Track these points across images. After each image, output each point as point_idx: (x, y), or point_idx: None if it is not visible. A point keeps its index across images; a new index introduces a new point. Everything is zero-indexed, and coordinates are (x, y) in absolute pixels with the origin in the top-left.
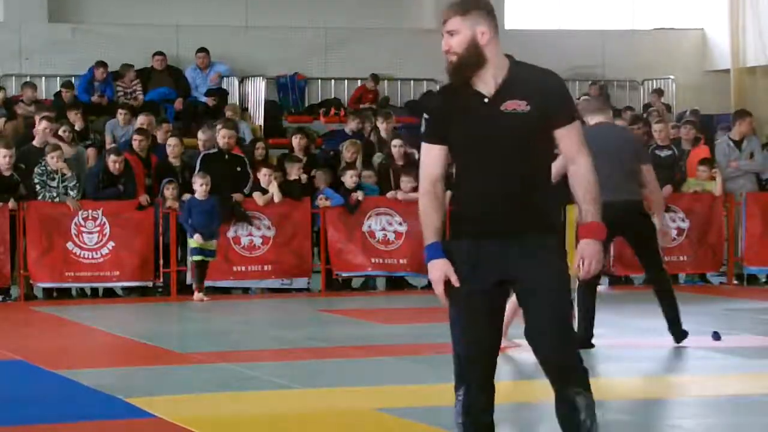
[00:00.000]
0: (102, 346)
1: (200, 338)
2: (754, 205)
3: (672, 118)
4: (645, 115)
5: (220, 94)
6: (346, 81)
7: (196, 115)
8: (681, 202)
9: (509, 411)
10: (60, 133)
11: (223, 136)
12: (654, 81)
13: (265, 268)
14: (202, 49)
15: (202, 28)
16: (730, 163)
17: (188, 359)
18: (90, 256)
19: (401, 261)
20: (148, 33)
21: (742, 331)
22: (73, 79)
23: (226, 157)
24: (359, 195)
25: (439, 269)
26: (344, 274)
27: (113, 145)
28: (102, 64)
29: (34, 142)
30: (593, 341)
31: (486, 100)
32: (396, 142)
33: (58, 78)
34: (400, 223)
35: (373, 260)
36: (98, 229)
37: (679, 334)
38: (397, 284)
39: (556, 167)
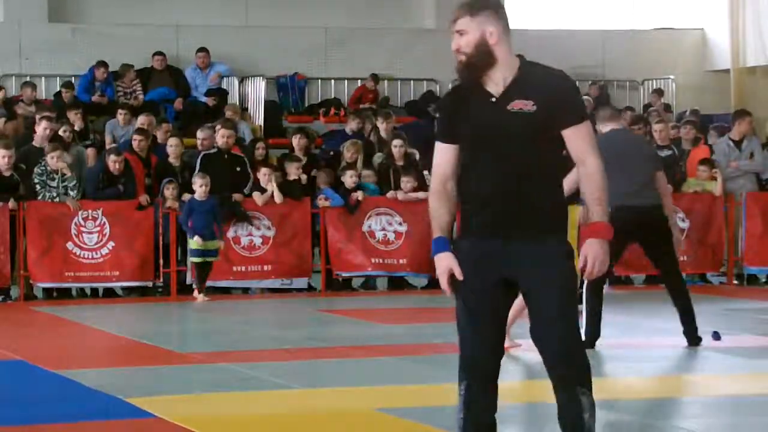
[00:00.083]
0: (102, 346)
1: (200, 338)
2: (754, 205)
3: (672, 118)
4: (645, 115)
5: (220, 94)
6: (346, 81)
7: (196, 115)
8: (681, 202)
9: (513, 410)
10: (60, 133)
11: (222, 136)
12: (654, 81)
13: (265, 268)
14: (202, 49)
15: (202, 28)
16: (730, 163)
17: (188, 359)
18: (90, 256)
19: (401, 261)
20: (148, 33)
21: (742, 331)
22: (73, 79)
23: (226, 156)
24: (359, 195)
25: (444, 262)
26: (344, 274)
27: (113, 145)
28: (102, 64)
29: (34, 142)
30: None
31: (493, 99)
32: (396, 142)
33: (58, 78)
34: (400, 223)
35: (373, 260)
36: (98, 229)
37: (693, 338)
38: (397, 284)
39: (568, 182)
